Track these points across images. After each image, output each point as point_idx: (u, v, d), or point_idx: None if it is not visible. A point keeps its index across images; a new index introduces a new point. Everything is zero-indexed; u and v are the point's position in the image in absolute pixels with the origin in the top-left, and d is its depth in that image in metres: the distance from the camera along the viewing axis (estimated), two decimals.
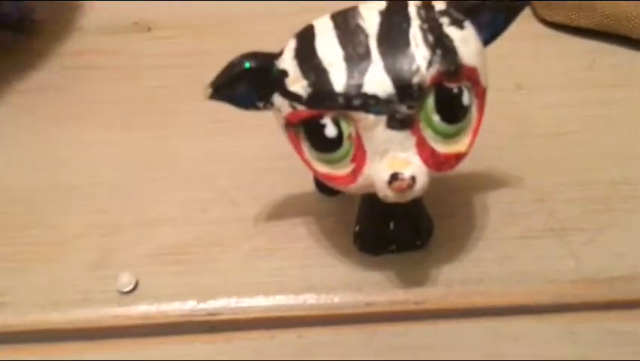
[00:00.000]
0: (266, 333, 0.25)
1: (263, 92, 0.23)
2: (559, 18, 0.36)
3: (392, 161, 0.21)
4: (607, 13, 0.35)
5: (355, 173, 0.22)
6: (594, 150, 0.30)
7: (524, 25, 0.37)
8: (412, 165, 0.21)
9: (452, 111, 0.21)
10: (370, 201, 0.25)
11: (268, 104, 0.23)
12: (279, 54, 0.23)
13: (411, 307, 0.25)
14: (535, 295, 0.25)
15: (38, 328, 0.25)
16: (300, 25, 0.23)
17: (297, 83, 0.22)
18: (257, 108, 0.23)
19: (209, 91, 0.23)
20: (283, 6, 0.38)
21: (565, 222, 0.27)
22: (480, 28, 0.23)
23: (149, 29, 0.35)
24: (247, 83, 0.23)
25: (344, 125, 0.21)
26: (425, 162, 0.22)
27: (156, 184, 0.30)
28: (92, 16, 0.39)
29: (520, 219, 0.27)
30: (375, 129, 0.21)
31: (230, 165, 0.30)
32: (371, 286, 0.25)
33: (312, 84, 0.21)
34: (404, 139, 0.21)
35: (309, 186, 0.28)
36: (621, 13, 0.34)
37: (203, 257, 0.27)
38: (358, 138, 0.21)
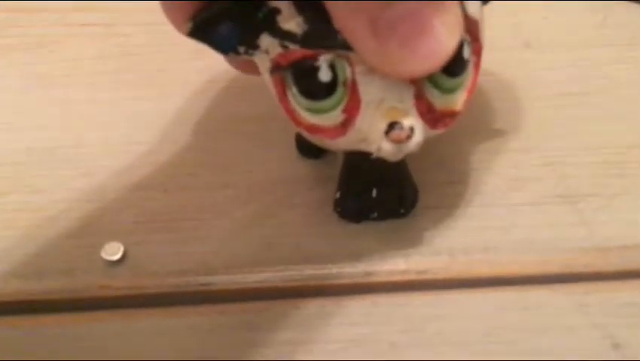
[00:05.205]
0: (260, 305, 0.24)
1: (246, 34, 0.21)
2: None
3: (390, 110, 0.20)
4: None
5: (346, 124, 0.21)
6: (606, 111, 0.29)
7: None
8: (410, 116, 0.20)
9: (453, 63, 0.20)
10: (353, 166, 0.24)
11: (250, 49, 0.21)
12: None
13: (413, 277, 0.24)
14: (544, 265, 0.24)
15: (19, 299, 0.24)
16: None
17: (292, 20, 0.20)
18: (237, 53, 0.21)
19: (190, 26, 0.21)
20: None
21: (576, 187, 0.26)
22: None
23: None
24: (231, 21, 0.21)
25: (340, 68, 0.20)
26: (422, 116, 0.21)
27: (144, 146, 0.28)
28: None
29: (528, 185, 0.26)
30: (374, 75, 0.20)
31: (221, 126, 0.29)
32: (371, 255, 0.25)
33: (308, 20, 0.20)
34: (404, 88, 0.20)
35: None
36: None
37: (194, 225, 0.26)
38: (354, 84, 0.20)
